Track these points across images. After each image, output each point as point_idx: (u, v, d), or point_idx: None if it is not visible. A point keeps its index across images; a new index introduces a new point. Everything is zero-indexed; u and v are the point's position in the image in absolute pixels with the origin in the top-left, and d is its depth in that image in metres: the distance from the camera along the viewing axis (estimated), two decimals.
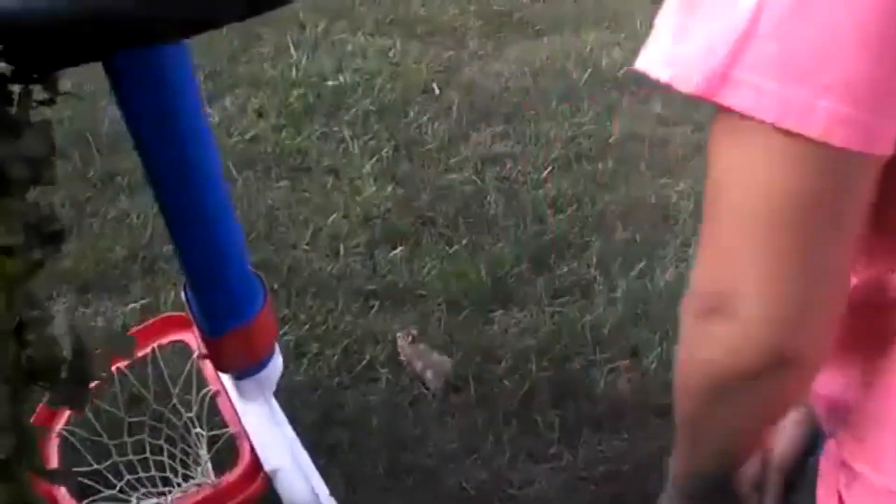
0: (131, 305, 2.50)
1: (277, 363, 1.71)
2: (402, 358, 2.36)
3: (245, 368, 1.62)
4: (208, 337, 1.53)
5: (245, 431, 1.62)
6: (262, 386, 1.67)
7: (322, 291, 2.61)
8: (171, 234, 1.39)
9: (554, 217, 3.03)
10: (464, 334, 2.50)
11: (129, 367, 1.81)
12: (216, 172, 1.41)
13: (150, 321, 1.94)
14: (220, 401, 1.71)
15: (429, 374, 2.30)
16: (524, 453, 2.18)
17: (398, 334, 2.41)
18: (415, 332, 2.39)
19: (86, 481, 1.70)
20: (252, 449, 1.59)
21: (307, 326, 2.46)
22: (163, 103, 1.23)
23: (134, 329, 1.94)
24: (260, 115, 3.53)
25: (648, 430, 2.25)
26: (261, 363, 1.64)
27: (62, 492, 1.56)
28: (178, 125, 1.27)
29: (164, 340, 1.85)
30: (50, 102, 0.98)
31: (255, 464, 1.58)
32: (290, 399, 2.23)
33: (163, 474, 1.79)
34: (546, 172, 3.29)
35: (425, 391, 2.31)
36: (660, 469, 2.17)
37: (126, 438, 1.78)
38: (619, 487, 2.09)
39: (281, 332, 2.44)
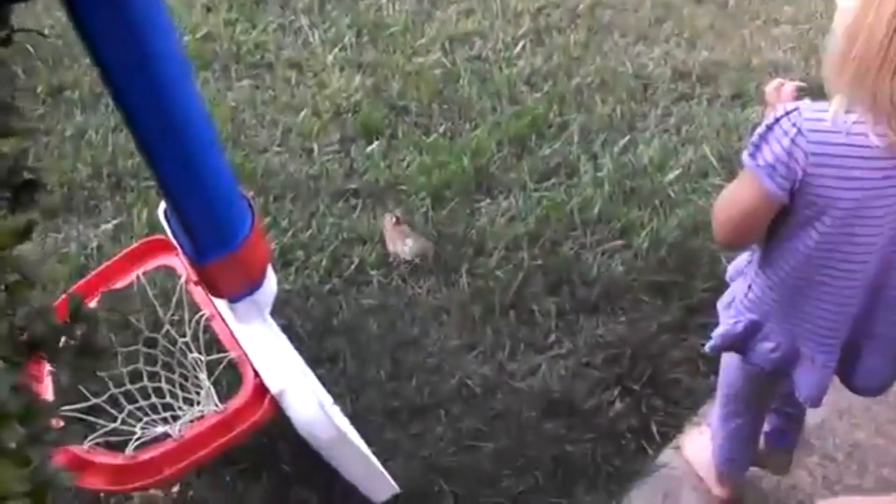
0: (104, 227, 2.39)
1: (272, 282, 1.64)
2: (386, 241, 2.34)
3: (239, 292, 1.55)
4: (197, 265, 1.45)
5: (246, 355, 1.57)
6: (259, 307, 1.61)
7: (301, 195, 2.52)
8: (148, 163, 1.29)
9: (530, 95, 2.93)
10: (451, 227, 2.44)
11: (114, 294, 1.73)
12: (194, 98, 1.29)
13: (132, 246, 1.85)
14: (216, 325, 1.64)
15: (406, 248, 2.30)
16: (524, 344, 2.16)
17: (385, 216, 2.37)
18: (399, 214, 2.36)
19: (86, 417, 1.66)
20: (255, 372, 1.55)
21: (290, 233, 2.38)
22: (132, 30, 1.10)
23: (116, 256, 1.84)
24: (209, 9, 3.32)
25: (643, 310, 2.25)
26: (255, 284, 1.57)
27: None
28: (149, 51, 1.14)
29: (149, 266, 1.77)
30: (5, 42, 0.86)
31: (261, 387, 1.54)
32: (283, 309, 2.19)
33: (163, 401, 1.75)
34: (518, 49, 3.17)
35: (419, 291, 2.26)
36: (659, 348, 2.18)
37: (121, 369, 1.73)
38: (621, 370, 2.09)
39: None
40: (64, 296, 1.78)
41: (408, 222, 2.37)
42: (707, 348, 1.64)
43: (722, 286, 1.66)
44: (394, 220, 2.33)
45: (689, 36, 3.31)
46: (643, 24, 3.36)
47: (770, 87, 1.52)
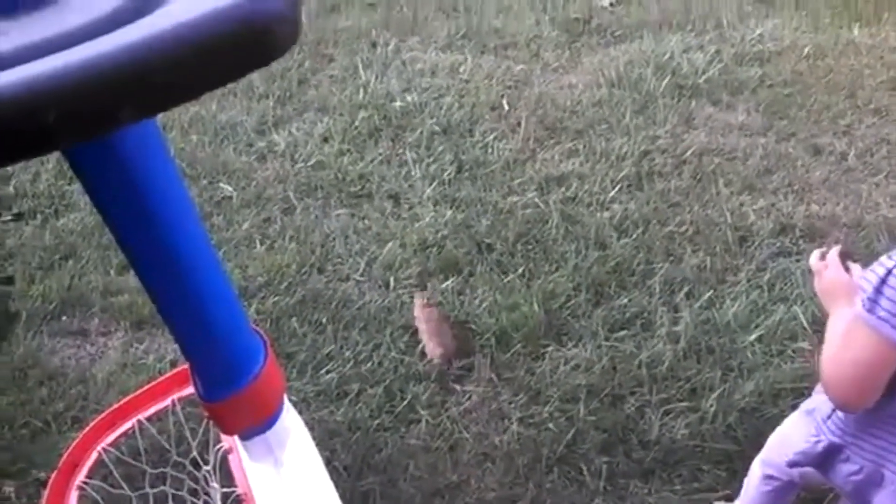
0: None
1: (287, 420, 1.66)
2: (415, 321, 2.53)
3: (249, 430, 1.58)
4: (203, 402, 1.49)
5: (251, 494, 1.59)
6: (271, 445, 1.63)
7: (370, 326, 2.56)
8: (153, 302, 1.35)
9: (618, 242, 2.88)
10: (511, 371, 2.40)
11: (150, 418, 1.81)
12: (198, 247, 1.35)
13: (174, 371, 1.94)
14: (232, 458, 1.68)
15: (431, 345, 2.43)
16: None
17: (416, 295, 2.58)
18: (429, 297, 2.56)
19: None
20: None
21: (351, 363, 2.42)
22: (129, 184, 1.16)
23: (156, 380, 1.94)
24: (325, 139, 3.53)
25: (703, 481, 2.10)
26: (266, 423, 1.59)
27: None
28: (149, 206, 1.21)
29: (185, 392, 1.84)
30: None
31: None
32: (329, 440, 2.21)
33: None
34: (613, 192, 3.15)
35: (466, 436, 2.23)
36: None
37: (148, 489, 1.78)
38: None
39: (324, 370, 2.42)
40: (101, 418, 1.90)
41: (438, 307, 2.55)
42: (785, 465, 1.62)
43: None
44: (425, 300, 2.52)
45: (799, 188, 3.18)
46: (751, 174, 3.26)
47: (813, 258, 1.58)
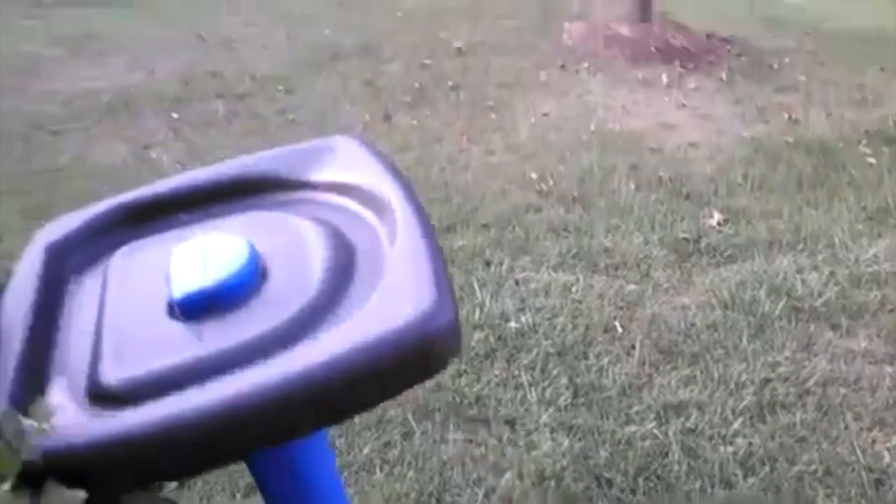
0: None
1: None
2: None
3: None
4: None
5: None
6: None
7: None
8: None
9: (744, 481, 2.79)
10: None
11: None
12: None
13: None
14: None
15: None
16: None
17: None
18: None
19: None
20: None
21: None
22: (298, 490, 1.26)
23: None
24: None
25: None
26: None
27: None
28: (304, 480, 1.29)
29: None
30: None
31: None
32: None
33: None
34: (736, 425, 3.08)
35: None
36: None
37: None
38: None
39: None
40: None
41: None
42: None
43: None
44: None
45: None
46: (880, 407, 3.15)
47: None
